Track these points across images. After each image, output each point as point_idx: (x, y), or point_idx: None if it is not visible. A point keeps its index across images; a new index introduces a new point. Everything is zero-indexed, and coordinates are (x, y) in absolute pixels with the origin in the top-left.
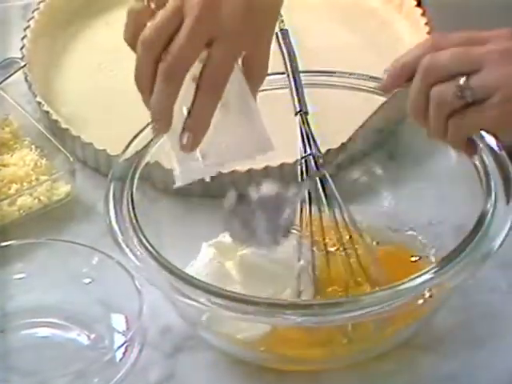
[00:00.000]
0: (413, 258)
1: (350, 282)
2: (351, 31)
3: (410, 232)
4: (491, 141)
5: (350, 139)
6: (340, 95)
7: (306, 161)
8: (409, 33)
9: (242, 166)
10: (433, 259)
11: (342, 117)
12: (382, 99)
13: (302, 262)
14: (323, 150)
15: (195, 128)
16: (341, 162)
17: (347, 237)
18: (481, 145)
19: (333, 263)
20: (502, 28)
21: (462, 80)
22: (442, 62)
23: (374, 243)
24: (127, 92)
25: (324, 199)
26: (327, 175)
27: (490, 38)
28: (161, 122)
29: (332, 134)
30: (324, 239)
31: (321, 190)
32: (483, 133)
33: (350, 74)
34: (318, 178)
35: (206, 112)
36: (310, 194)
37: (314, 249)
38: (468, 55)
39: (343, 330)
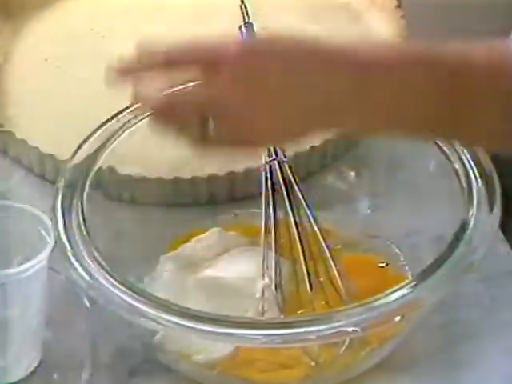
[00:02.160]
0: (389, 272)
1: (320, 302)
2: (322, 26)
3: (385, 243)
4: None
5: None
6: None
7: (270, 166)
8: (384, 26)
9: (202, 172)
10: (410, 273)
11: None
12: None
13: (266, 280)
14: (291, 154)
15: None
16: (310, 166)
17: (316, 249)
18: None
19: (301, 281)
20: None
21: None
22: (181, 108)
23: (347, 254)
24: (76, 90)
25: (289, 208)
26: (293, 181)
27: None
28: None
29: None
30: (291, 253)
31: (286, 197)
32: None
33: None
34: (283, 185)
35: None
36: (275, 202)
37: (280, 264)
38: (212, 92)
39: (309, 351)
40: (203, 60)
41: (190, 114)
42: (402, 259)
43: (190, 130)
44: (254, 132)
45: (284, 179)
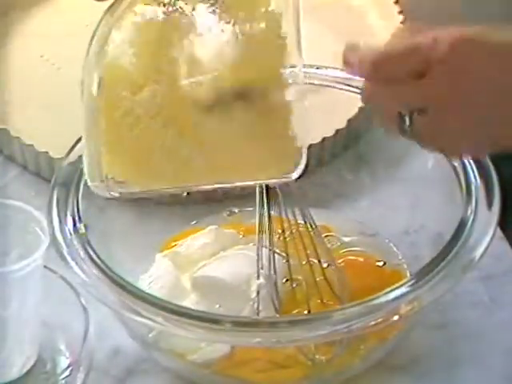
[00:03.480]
0: (387, 271)
1: (316, 301)
2: (317, 20)
3: (383, 241)
4: None
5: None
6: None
7: None
8: (381, 21)
9: None
10: (408, 271)
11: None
12: (352, 95)
13: (261, 279)
14: None
15: None
16: (308, 164)
17: (312, 247)
18: None
19: (296, 280)
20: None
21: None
22: (383, 100)
23: (344, 253)
24: (71, 88)
25: (284, 206)
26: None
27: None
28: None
29: None
30: (287, 251)
31: (280, 195)
32: None
33: (317, 68)
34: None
35: None
36: (269, 200)
37: (276, 263)
38: (413, 93)
39: (305, 351)
40: (412, 63)
41: (397, 108)
42: (400, 257)
43: (391, 120)
44: (448, 139)
45: None
